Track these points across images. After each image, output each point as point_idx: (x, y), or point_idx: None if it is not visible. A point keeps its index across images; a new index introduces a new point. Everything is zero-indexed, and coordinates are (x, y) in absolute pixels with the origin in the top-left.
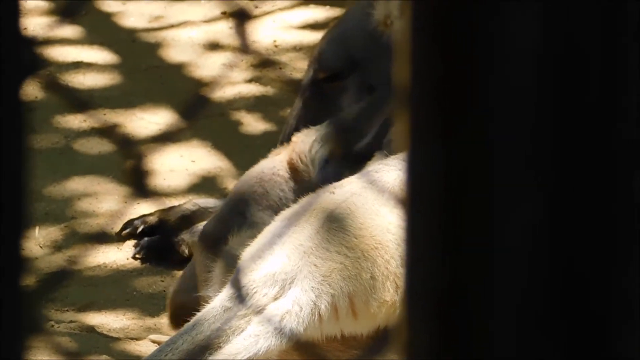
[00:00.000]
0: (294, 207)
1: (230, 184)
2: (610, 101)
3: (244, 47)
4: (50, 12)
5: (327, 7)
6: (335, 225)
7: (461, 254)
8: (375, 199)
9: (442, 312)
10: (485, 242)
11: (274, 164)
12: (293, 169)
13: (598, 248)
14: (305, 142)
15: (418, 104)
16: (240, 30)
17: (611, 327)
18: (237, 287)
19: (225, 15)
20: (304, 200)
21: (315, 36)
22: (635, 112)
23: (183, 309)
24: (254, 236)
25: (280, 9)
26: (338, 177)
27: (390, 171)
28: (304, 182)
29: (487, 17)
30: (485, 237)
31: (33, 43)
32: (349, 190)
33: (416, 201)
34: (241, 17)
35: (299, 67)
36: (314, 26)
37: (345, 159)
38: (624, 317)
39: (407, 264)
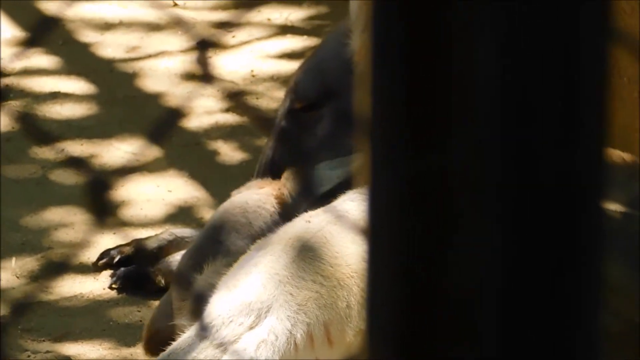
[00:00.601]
0: (270, 236)
1: (207, 214)
2: (572, 129)
3: (207, 77)
4: (24, 43)
5: (304, 36)
6: (311, 254)
7: (422, 287)
8: (351, 227)
9: (405, 350)
10: (445, 272)
11: (260, 197)
12: (282, 204)
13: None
14: (296, 179)
15: (379, 133)
16: (203, 60)
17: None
18: (212, 316)
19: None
20: (279, 230)
21: (292, 66)
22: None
23: (159, 338)
24: (229, 265)
25: (257, 39)
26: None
27: (365, 200)
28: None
29: (449, 46)
30: (445, 267)
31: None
32: (324, 219)
33: (376, 232)
34: (204, 47)
35: (276, 97)
36: (290, 56)
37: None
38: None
39: (368, 297)
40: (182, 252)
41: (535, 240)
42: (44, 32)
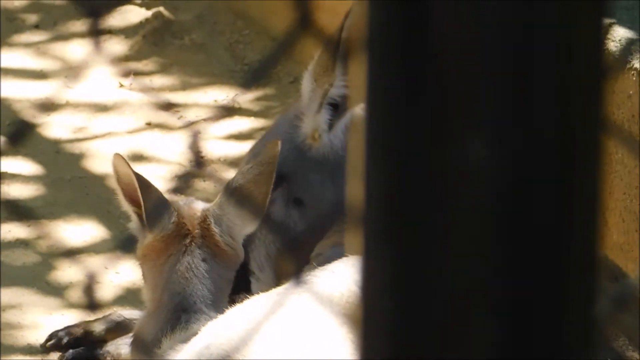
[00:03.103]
0: (219, 319)
1: None
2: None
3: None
4: None
5: (252, 118)
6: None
7: None
8: (292, 331)
9: None
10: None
11: None
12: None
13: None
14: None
15: (371, 222)
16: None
17: None
18: None
19: (149, 126)
20: (230, 310)
21: (241, 147)
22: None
23: None
24: (187, 340)
25: (204, 120)
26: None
27: (308, 292)
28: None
29: (437, 141)
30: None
31: None
32: (262, 317)
33: (370, 315)
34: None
35: (223, 179)
36: (238, 137)
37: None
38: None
39: None
40: (130, 334)
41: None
42: None
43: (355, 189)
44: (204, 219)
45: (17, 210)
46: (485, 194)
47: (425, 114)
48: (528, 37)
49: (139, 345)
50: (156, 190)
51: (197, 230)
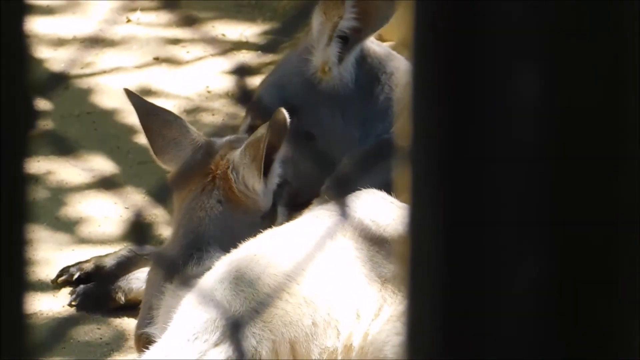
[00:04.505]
0: (235, 253)
1: (165, 231)
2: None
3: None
4: None
5: (259, 52)
6: (277, 271)
7: (461, 307)
8: (318, 245)
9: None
10: (483, 296)
11: None
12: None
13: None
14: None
15: (419, 158)
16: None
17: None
18: (177, 333)
19: (157, 60)
20: (244, 245)
21: (248, 82)
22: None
23: (146, 340)
24: (199, 276)
25: (212, 55)
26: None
27: (330, 217)
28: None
29: (489, 74)
30: (481, 297)
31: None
32: (290, 236)
33: (417, 254)
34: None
35: (231, 113)
36: (246, 71)
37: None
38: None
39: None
40: (142, 269)
41: (576, 269)
42: None
43: (404, 128)
44: (226, 162)
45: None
46: (535, 128)
47: (476, 48)
48: None
49: (153, 276)
50: (178, 123)
51: (219, 172)
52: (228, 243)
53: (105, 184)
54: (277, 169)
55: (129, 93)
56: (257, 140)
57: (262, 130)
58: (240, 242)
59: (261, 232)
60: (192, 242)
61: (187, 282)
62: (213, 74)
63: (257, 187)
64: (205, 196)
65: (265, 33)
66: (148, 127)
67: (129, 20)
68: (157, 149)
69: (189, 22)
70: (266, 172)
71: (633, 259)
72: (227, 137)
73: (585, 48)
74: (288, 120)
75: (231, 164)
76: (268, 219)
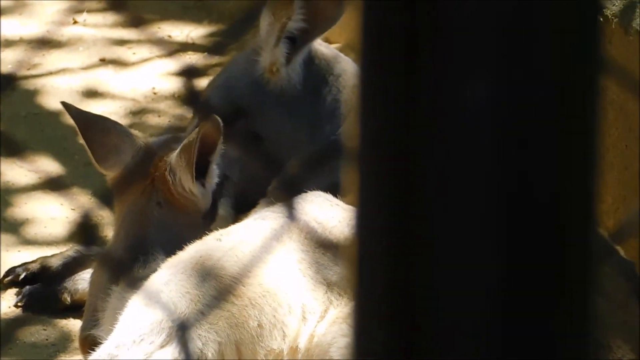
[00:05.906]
0: (180, 255)
1: (111, 232)
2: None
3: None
4: None
5: (205, 54)
6: (223, 273)
7: (407, 308)
8: (264, 247)
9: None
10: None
11: None
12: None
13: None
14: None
15: (367, 160)
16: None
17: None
18: (123, 334)
19: (103, 62)
20: (190, 248)
21: (195, 84)
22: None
23: (91, 342)
24: (144, 279)
25: (158, 56)
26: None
27: (277, 219)
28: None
29: (437, 76)
30: (428, 297)
31: None
32: (236, 238)
33: (363, 256)
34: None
35: (177, 115)
36: (192, 73)
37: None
38: None
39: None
40: (88, 270)
41: (528, 264)
42: None
43: (351, 129)
44: (164, 164)
45: None
46: (484, 135)
47: (426, 55)
48: None
49: (96, 278)
50: (118, 129)
51: (157, 174)
52: (171, 244)
53: (52, 185)
54: (215, 170)
55: (66, 106)
56: (189, 145)
57: (194, 135)
58: (182, 243)
59: (206, 233)
60: (135, 245)
61: (133, 284)
62: (159, 75)
63: (193, 189)
64: (145, 198)
65: (212, 35)
66: (88, 137)
67: (75, 22)
68: (99, 157)
69: (135, 23)
70: (205, 173)
71: (584, 264)
72: (165, 137)
73: (539, 52)
74: (221, 123)
75: (168, 166)
76: (209, 219)
